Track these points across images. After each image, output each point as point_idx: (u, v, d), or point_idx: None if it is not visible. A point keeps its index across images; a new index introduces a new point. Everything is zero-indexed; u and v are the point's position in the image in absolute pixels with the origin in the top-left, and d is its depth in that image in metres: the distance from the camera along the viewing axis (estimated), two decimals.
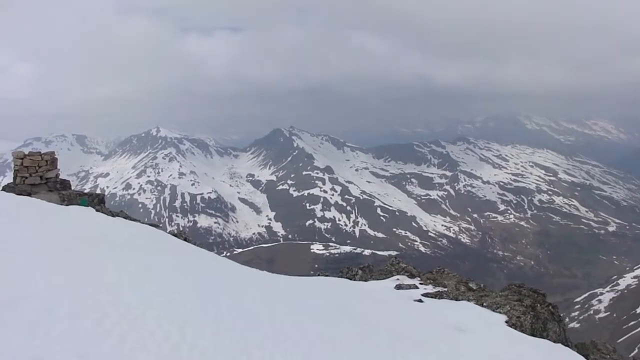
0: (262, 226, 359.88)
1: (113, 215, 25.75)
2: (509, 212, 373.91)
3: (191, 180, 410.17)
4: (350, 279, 26.96)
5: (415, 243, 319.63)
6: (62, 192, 30.46)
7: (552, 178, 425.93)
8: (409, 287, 23.55)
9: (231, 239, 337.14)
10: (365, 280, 26.62)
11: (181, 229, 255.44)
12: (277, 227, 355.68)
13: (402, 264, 28.20)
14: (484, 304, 20.36)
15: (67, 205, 23.96)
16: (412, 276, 26.32)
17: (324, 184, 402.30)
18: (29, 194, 26.52)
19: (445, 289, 22.91)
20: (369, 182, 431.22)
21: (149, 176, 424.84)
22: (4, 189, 29.85)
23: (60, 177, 32.39)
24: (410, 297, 21.07)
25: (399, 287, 23.57)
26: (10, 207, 16.40)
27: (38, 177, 31.02)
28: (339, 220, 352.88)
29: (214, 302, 11.43)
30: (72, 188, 33.68)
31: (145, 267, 13.20)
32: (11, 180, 32.20)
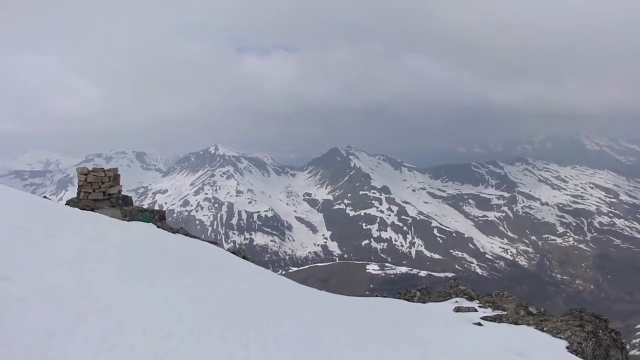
0: (319, 245, 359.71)
1: (174, 232, 25.70)
2: (568, 234, 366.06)
3: (248, 199, 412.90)
4: (409, 301, 26.53)
5: (472, 265, 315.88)
6: (124, 208, 30.58)
7: (613, 200, 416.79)
8: (468, 310, 23.04)
9: (287, 257, 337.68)
10: (424, 302, 26.19)
11: (238, 246, 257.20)
12: (334, 246, 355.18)
13: (462, 287, 27.70)
14: (545, 329, 19.76)
15: (129, 221, 23.96)
16: (471, 299, 25.77)
17: (380, 204, 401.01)
18: (93, 210, 26.59)
19: (505, 313, 22.33)
20: (426, 202, 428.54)
21: (206, 194, 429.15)
22: (68, 203, 30.06)
23: (122, 193, 32.47)
24: (470, 320, 20.58)
25: (458, 310, 23.09)
26: (76, 222, 16.37)
27: (101, 193, 31.22)
28: (396, 240, 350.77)
29: (276, 321, 11.49)
30: (134, 204, 33.81)
31: (208, 284, 13.49)
32: (74, 195, 32.44)
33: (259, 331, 10.11)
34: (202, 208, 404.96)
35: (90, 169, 32.53)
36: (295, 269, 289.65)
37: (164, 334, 8.12)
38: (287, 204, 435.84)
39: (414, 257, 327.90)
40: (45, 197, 32.25)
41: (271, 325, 10.80)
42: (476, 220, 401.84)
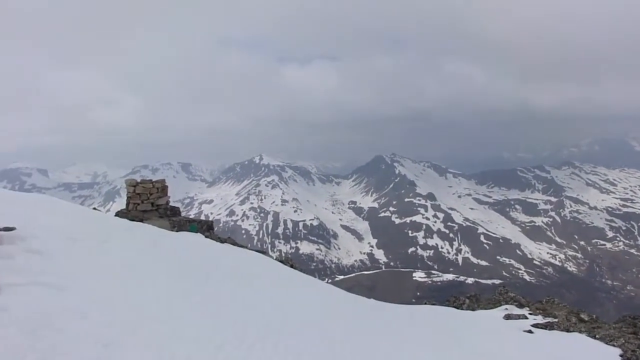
0: (364, 253, 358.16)
1: (221, 242, 25.86)
2: (617, 239, 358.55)
3: (294, 207, 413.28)
4: (457, 308, 26.37)
5: (520, 271, 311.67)
6: (172, 218, 30.87)
7: None
8: (518, 317, 22.81)
9: (333, 265, 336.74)
10: (473, 310, 26.00)
11: (284, 255, 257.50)
12: (379, 254, 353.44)
13: (511, 293, 27.48)
14: (597, 337, 19.45)
15: (177, 231, 24.20)
16: (520, 306, 25.53)
17: (426, 210, 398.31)
18: (141, 220, 26.87)
19: (556, 320, 22.05)
20: (472, 208, 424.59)
21: (252, 203, 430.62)
22: (117, 214, 30.43)
23: (170, 204, 32.80)
24: (520, 327, 20.37)
25: (507, 317, 22.88)
26: (126, 233, 16.57)
27: (149, 203, 31.57)
28: (442, 247, 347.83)
29: (327, 330, 11.55)
30: (181, 215, 34.09)
31: (258, 293, 13.60)
32: (121, 206, 32.84)
33: (311, 340, 10.15)
34: (248, 217, 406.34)
35: (138, 180, 32.92)
36: (341, 277, 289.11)
37: (217, 344, 8.19)
38: (332, 212, 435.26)
39: (460, 264, 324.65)
40: (95, 209, 32.71)
41: (323, 334, 10.83)
42: (523, 225, 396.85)
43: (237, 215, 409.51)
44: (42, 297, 7.50)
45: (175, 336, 7.83)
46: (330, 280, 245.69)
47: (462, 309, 26.31)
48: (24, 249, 9.52)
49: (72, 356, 6.27)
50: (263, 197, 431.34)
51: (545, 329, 20.48)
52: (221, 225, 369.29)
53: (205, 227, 31.20)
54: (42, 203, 18.05)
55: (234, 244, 28.17)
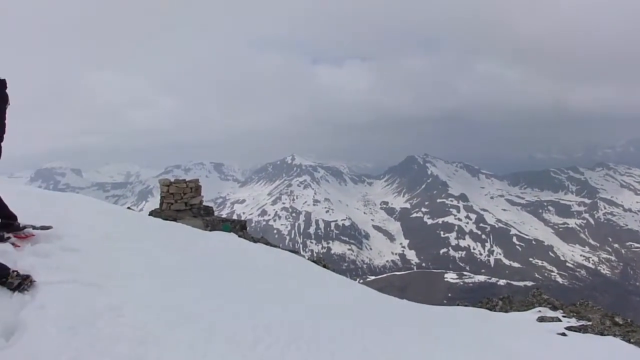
0: (396, 254, 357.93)
1: (254, 242, 25.88)
2: None
3: (325, 207, 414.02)
4: (490, 310, 26.23)
5: (552, 274, 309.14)
6: (205, 218, 31.04)
7: None
8: (552, 319, 22.69)
9: (364, 266, 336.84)
10: (506, 312, 25.87)
11: (316, 255, 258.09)
12: (411, 255, 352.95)
13: (544, 296, 27.30)
14: (632, 340, 19.28)
15: (210, 230, 24.26)
16: (554, 308, 25.35)
17: (458, 211, 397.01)
18: (175, 220, 26.92)
19: (590, 323, 21.88)
20: (504, 210, 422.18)
21: (284, 203, 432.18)
22: (150, 214, 30.67)
23: (203, 203, 32.97)
24: (553, 330, 20.27)
25: (541, 319, 22.76)
26: (160, 232, 16.65)
27: (183, 203, 31.80)
28: (474, 248, 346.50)
29: (361, 330, 11.49)
30: (214, 214, 34.25)
31: (292, 292, 13.73)
32: (154, 206, 33.10)
33: (345, 341, 10.18)
34: (280, 217, 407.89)
35: (172, 180, 33.15)
36: (373, 277, 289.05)
37: (250, 343, 8.21)
38: (364, 213, 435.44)
39: (492, 266, 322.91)
40: (129, 208, 32.95)
41: (356, 336, 10.84)
42: (556, 227, 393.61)
43: (269, 215, 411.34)
44: (79, 296, 7.54)
45: (209, 335, 7.86)
46: (361, 281, 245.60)
47: (495, 311, 26.20)
48: (60, 247, 9.59)
49: (109, 354, 6.31)
50: (295, 197, 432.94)
51: (579, 332, 20.36)
52: (253, 225, 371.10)
53: (239, 227, 31.29)
54: (77, 202, 18.18)
55: (267, 243, 28.19)
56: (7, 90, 10.27)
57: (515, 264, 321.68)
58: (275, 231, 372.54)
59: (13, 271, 7.37)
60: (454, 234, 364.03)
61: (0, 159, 10.22)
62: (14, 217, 10.24)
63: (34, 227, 10.42)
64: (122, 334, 6.85)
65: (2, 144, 10.23)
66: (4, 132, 10.20)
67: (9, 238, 9.51)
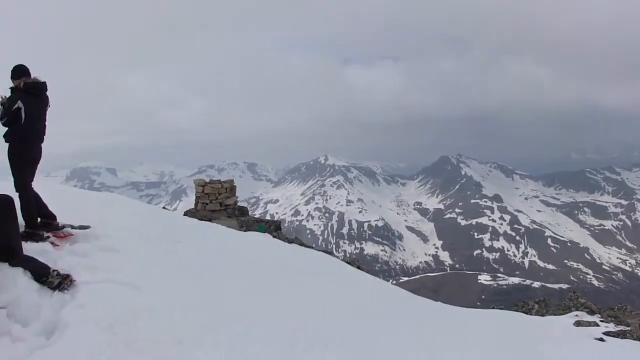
0: (429, 255, 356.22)
1: (289, 242, 25.95)
2: None
3: (359, 208, 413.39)
4: (526, 314, 25.94)
5: (588, 276, 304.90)
6: (240, 218, 31.16)
7: None
8: (589, 324, 22.28)
9: (398, 267, 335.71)
10: (542, 315, 25.56)
11: (348, 256, 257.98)
12: (445, 256, 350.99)
13: (582, 300, 26.91)
14: None
15: (245, 231, 24.34)
16: (592, 313, 24.98)
17: (492, 213, 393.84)
18: (210, 220, 27.08)
19: (629, 329, 21.45)
20: (539, 211, 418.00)
21: (317, 203, 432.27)
22: (185, 214, 30.85)
23: (238, 204, 33.10)
24: (591, 335, 19.88)
25: (578, 324, 22.37)
26: (196, 233, 16.76)
27: (218, 204, 31.96)
28: (508, 250, 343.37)
29: (395, 334, 11.43)
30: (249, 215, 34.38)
31: (329, 294, 13.63)
32: (188, 206, 33.34)
33: (381, 345, 10.12)
34: (313, 217, 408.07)
35: (207, 180, 33.32)
36: (406, 278, 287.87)
37: (289, 344, 8.21)
38: (398, 214, 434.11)
39: (526, 268, 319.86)
40: (164, 208, 33.19)
41: (391, 340, 10.77)
42: (592, 229, 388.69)
43: (303, 215, 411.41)
44: (118, 296, 7.66)
45: (246, 336, 7.89)
46: (394, 282, 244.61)
47: (531, 315, 25.94)
48: (98, 247, 9.72)
49: (148, 354, 6.37)
50: (328, 198, 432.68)
51: (618, 337, 19.97)
52: (286, 225, 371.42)
53: (273, 228, 31.39)
54: (114, 202, 18.34)
55: (302, 244, 28.24)
56: (47, 93, 10.43)
57: (550, 267, 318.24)
58: (308, 232, 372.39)
59: (54, 271, 7.47)
60: (488, 236, 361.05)
61: (40, 159, 10.37)
62: (54, 217, 10.38)
63: (73, 227, 10.56)
64: (160, 334, 6.92)
65: (42, 145, 10.39)
66: (44, 133, 10.35)
67: (48, 237, 9.65)
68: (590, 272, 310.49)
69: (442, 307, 19.93)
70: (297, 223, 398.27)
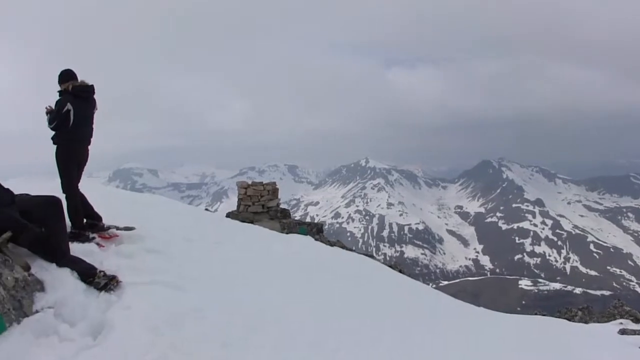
0: (470, 259, 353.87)
1: (331, 245, 25.87)
2: None
3: (399, 211, 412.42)
4: (569, 320, 25.61)
5: (631, 283, 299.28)
6: (282, 220, 31.22)
7: None
8: (634, 332, 21.90)
9: (437, 270, 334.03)
10: (585, 322, 25.25)
11: (388, 258, 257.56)
12: (485, 260, 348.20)
13: (626, 307, 26.55)
14: None
15: (287, 233, 24.35)
16: (636, 321, 24.66)
17: (534, 217, 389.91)
18: (252, 222, 27.19)
19: None
20: (581, 215, 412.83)
21: (357, 206, 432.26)
22: (228, 215, 31.00)
23: (280, 206, 33.17)
24: (636, 344, 19.55)
25: (622, 332, 22.02)
26: (239, 234, 16.86)
27: (260, 205, 32.07)
28: (549, 255, 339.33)
29: (441, 337, 11.41)
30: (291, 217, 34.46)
31: (372, 297, 13.61)
32: (228, 207, 33.52)
33: (426, 347, 10.13)
34: (353, 220, 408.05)
35: (248, 182, 33.49)
36: (446, 282, 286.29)
37: (332, 348, 8.19)
38: (438, 217, 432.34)
39: (568, 273, 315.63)
40: (206, 209, 33.39)
41: (436, 343, 10.74)
42: (636, 234, 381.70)
43: (343, 217, 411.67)
44: (163, 297, 7.70)
45: (291, 339, 7.89)
46: (434, 286, 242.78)
47: (574, 321, 25.63)
48: (143, 248, 9.80)
49: (193, 355, 6.39)
50: (369, 200, 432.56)
51: None
52: (326, 227, 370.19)
53: (315, 230, 31.40)
54: (158, 203, 18.51)
55: (343, 247, 28.22)
56: (95, 96, 10.59)
57: (592, 272, 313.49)
58: (348, 234, 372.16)
59: (100, 271, 7.54)
60: (529, 240, 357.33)
61: (87, 161, 10.52)
62: (99, 218, 10.51)
63: (118, 228, 10.68)
64: (205, 336, 6.95)
65: (90, 147, 10.53)
66: (91, 135, 10.49)
67: (94, 238, 9.76)
68: (633, 278, 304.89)
69: (485, 313, 19.81)
70: (337, 225, 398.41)
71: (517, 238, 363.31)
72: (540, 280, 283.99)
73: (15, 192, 7.92)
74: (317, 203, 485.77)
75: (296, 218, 36.73)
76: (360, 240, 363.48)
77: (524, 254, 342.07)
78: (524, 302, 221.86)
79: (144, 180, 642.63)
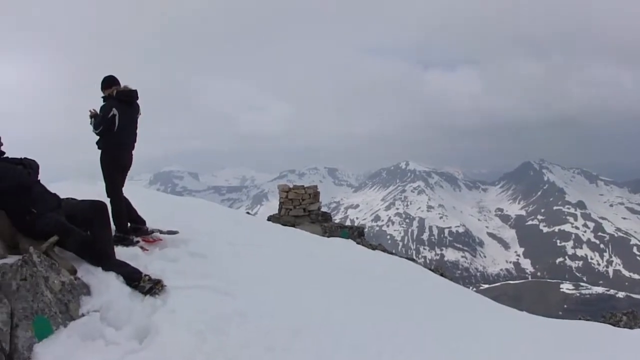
0: (510, 262, 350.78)
1: (372, 248, 25.76)
2: None
3: (439, 214, 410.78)
4: (614, 325, 25.12)
5: None
6: (323, 224, 31.16)
7: None
8: None
9: (478, 274, 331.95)
10: (631, 328, 24.76)
11: (428, 262, 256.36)
12: (526, 263, 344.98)
13: None
14: None
15: (328, 237, 24.28)
16: None
17: (575, 219, 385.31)
18: (293, 225, 27.24)
19: None
20: (624, 218, 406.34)
21: (397, 208, 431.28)
22: (269, 219, 31.06)
23: (321, 209, 33.17)
24: None
25: None
26: (281, 238, 16.91)
27: (301, 209, 32.08)
28: (591, 258, 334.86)
29: (482, 341, 11.12)
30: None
31: (417, 302, 13.51)
32: (269, 210, 33.63)
33: (467, 354, 9.91)
34: (393, 223, 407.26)
35: (289, 185, 33.54)
36: (486, 285, 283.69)
37: (375, 352, 8.14)
38: (479, 219, 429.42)
39: (610, 277, 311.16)
40: (248, 213, 33.49)
41: (478, 349, 10.57)
42: None
43: (383, 220, 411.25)
44: (207, 301, 7.74)
45: (335, 343, 7.86)
46: (474, 289, 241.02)
47: (619, 327, 25.16)
48: (187, 252, 9.88)
49: (238, 359, 6.43)
50: (409, 203, 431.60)
51: None
52: (367, 230, 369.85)
53: (357, 234, 31.28)
54: (200, 206, 18.61)
55: (384, 250, 28.09)
56: (138, 101, 10.70)
57: (636, 276, 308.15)
58: (388, 237, 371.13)
59: (145, 275, 7.59)
60: (570, 243, 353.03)
61: (131, 166, 10.63)
62: (143, 222, 10.60)
63: (161, 232, 10.75)
64: (250, 340, 6.96)
65: (134, 151, 10.64)
66: (135, 140, 10.60)
67: (138, 242, 9.83)
68: None
69: (528, 317, 19.56)
70: (377, 228, 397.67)
71: (558, 241, 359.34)
72: (582, 283, 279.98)
73: (61, 197, 8.03)
74: (357, 206, 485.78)
75: (336, 221, 36.71)
76: (400, 244, 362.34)
77: (566, 257, 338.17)
78: (565, 306, 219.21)
79: (185, 184, 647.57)
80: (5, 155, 7.48)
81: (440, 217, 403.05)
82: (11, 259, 6.60)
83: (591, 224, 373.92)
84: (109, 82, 10.12)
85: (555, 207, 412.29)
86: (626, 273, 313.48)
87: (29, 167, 7.67)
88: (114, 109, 9.79)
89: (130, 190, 11.04)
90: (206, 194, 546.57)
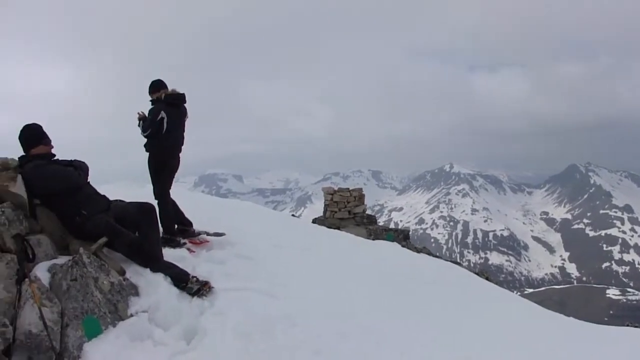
0: (555, 266, 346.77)
1: (417, 252, 25.65)
2: None
3: (484, 217, 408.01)
4: None
5: None
6: (368, 226, 31.07)
7: None
8: None
9: (522, 278, 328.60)
10: None
11: (472, 265, 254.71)
12: (571, 268, 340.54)
13: None
14: None
15: (373, 239, 24.21)
16: None
17: (622, 224, 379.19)
18: (338, 228, 27.20)
19: None
20: None
21: (441, 211, 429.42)
22: (314, 221, 31.09)
23: (366, 212, 33.11)
24: None
25: None
26: (326, 240, 16.90)
27: (346, 211, 32.01)
28: (639, 264, 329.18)
29: (530, 350, 10.86)
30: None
31: (462, 306, 13.28)
32: (313, 212, 33.71)
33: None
34: (437, 226, 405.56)
35: (334, 187, 33.51)
36: (531, 290, 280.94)
37: (421, 356, 8.06)
38: (523, 223, 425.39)
39: None
40: (293, 215, 33.58)
41: (525, 353, 10.47)
42: None
43: (427, 223, 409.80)
44: (254, 303, 7.77)
45: (381, 347, 7.80)
46: (519, 293, 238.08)
47: None
48: (234, 254, 9.94)
49: None
50: (453, 206, 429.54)
51: None
52: (410, 233, 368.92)
53: (402, 237, 31.15)
54: (245, 209, 18.70)
55: (429, 253, 27.95)
56: (186, 104, 10.80)
57: None
58: (432, 240, 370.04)
59: (192, 277, 7.66)
60: (617, 248, 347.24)
61: (178, 168, 10.72)
62: (190, 224, 10.68)
63: (208, 234, 10.81)
64: (298, 343, 6.95)
65: (181, 154, 10.73)
66: (183, 143, 10.69)
67: (185, 244, 9.91)
68: None
69: (575, 323, 19.30)
70: (421, 231, 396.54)
71: (604, 245, 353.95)
72: (628, 289, 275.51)
73: (110, 199, 8.12)
74: (401, 209, 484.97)
75: (380, 224, 36.60)
76: (444, 247, 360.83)
77: (612, 262, 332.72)
78: (611, 312, 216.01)
79: (229, 186, 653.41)
80: (55, 158, 7.59)
81: (485, 221, 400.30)
82: (62, 260, 6.71)
83: (638, 229, 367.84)
84: (157, 86, 10.23)
85: (601, 211, 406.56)
86: None
87: (79, 169, 7.77)
88: (162, 112, 9.92)
89: (176, 192, 11.13)
90: (250, 196, 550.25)
